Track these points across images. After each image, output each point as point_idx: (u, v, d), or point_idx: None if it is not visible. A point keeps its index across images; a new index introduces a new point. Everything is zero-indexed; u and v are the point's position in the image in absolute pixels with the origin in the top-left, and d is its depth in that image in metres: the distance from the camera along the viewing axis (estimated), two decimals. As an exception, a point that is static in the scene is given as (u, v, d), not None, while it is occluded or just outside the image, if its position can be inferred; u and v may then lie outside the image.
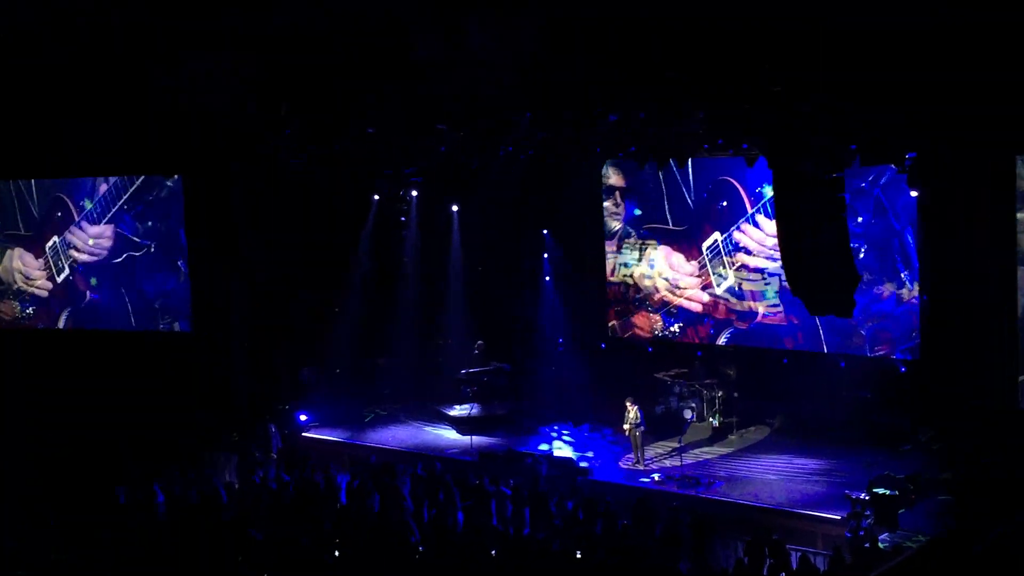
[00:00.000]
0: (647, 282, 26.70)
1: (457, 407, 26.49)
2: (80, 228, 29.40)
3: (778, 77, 16.17)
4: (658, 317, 26.62)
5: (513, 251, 28.28)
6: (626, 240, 26.97)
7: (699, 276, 25.80)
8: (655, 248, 26.47)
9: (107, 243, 29.15)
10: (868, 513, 18.12)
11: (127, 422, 25.46)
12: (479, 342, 27.47)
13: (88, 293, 29.63)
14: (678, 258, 26.14)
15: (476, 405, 26.31)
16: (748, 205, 24.64)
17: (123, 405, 25.98)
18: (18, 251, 30.37)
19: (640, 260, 26.76)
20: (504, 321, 28.19)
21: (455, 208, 28.64)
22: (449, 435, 25.88)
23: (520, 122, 20.21)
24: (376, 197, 28.38)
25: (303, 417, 26.52)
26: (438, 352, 29.41)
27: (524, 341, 27.86)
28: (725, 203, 25.04)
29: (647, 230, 26.58)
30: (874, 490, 18.54)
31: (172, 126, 23.05)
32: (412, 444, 25.33)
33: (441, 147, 23.14)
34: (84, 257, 29.55)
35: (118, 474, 20.95)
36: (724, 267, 25.26)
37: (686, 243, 25.98)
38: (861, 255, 22.55)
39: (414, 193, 28.42)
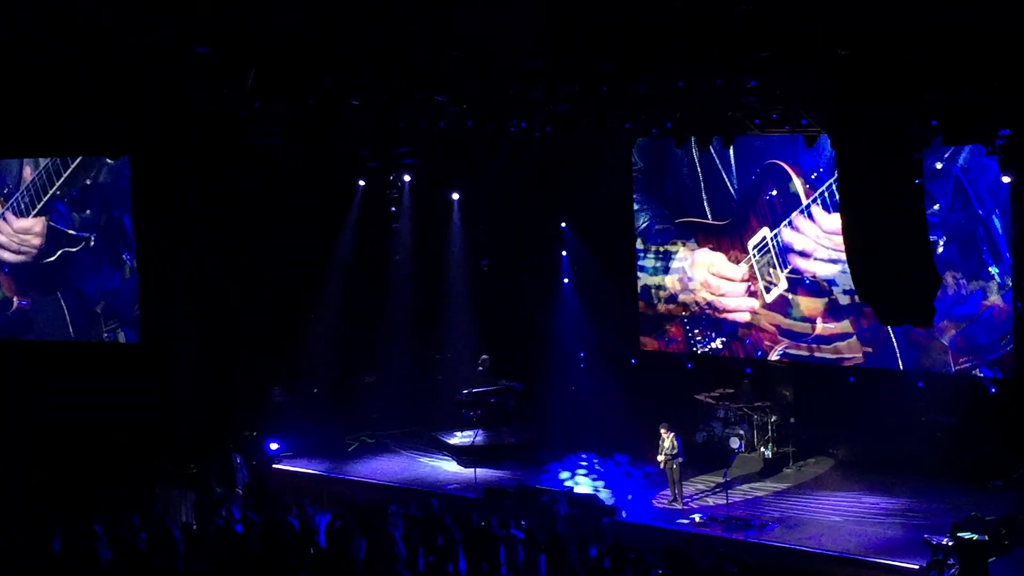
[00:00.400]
0: (680, 289, 26.82)
1: (458, 434, 26.57)
2: (4, 220, 29.45)
3: (844, 38, 16.16)
4: (696, 331, 26.68)
5: (525, 247, 28.37)
6: (650, 239, 27.11)
7: (745, 281, 25.86)
8: (689, 249, 26.52)
9: (37, 240, 29.23)
10: (952, 562, 18.11)
11: (61, 451, 25.66)
12: (484, 356, 27.53)
13: (15, 300, 29.68)
14: (718, 259, 26.21)
15: (480, 432, 26.36)
16: (803, 194, 24.66)
17: (57, 430, 26.19)
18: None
19: (669, 263, 26.83)
20: (514, 331, 28.28)
21: (455, 196, 28.70)
22: (449, 467, 25.97)
23: (534, 93, 20.19)
24: (362, 183, 28.42)
25: (274, 446, 26.56)
26: (435, 368, 29.50)
27: (538, 355, 27.95)
28: (775, 192, 25.07)
29: (680, 226, 26.65)
30: (959, 534, 18.50)
31: (112, 91, 22.79)
32: (404, 478, 25.41)
33: (439, 122, 23.20)
34: (9, 256, 29.62)
35: (51, 515, 21.01)
36: (775, 269, 25.30)
37: (728, 241, 26.04)
38: (940, 249, 22.61)
39: (407, 178, 28.46)
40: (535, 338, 28.14)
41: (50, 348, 29.04)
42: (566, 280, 28.19)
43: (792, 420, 24.91)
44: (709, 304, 26.41)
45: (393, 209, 28.78)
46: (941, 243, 22.76)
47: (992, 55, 15.72)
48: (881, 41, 15.71)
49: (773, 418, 24.72)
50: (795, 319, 25.23)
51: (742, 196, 25.67)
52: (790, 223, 24.94)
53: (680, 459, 22.60)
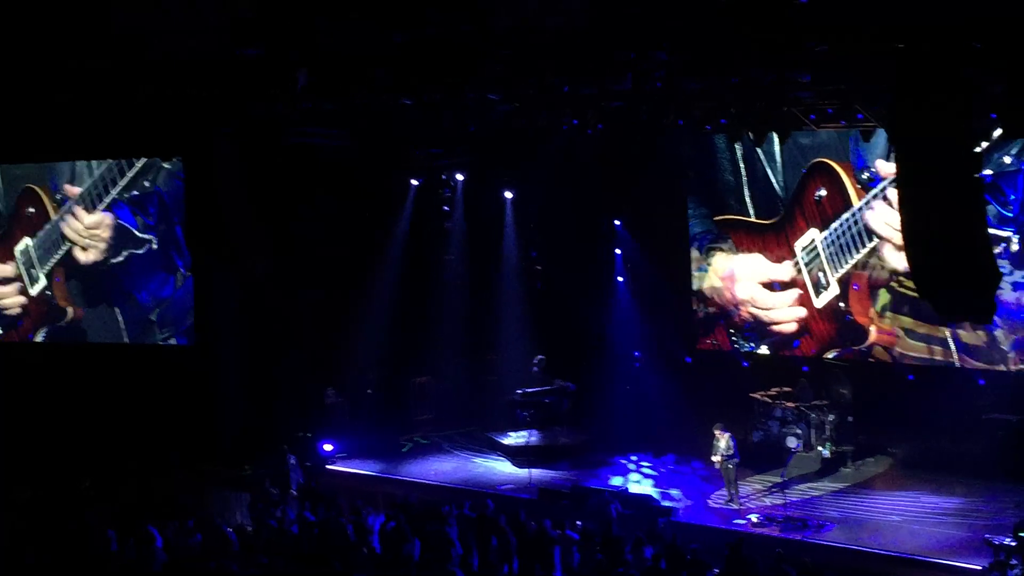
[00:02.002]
0: (726, 300, 26.74)
1: (512, 434, 26.56)
2: (74, 216, 29.33)
3: (901, 30, 15.96)
4: (740, 339, 26.60)
5: (579, 246, 28.27)
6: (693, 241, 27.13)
7: (793, 287, 25.66)
8: (730, 253, 26.37)
9: (107, 234, 29.08)
10: (1015, 563, 17.87)
11: (118, 453, 25.81)
12: (539, 357, 27.49)
13: (70, 309, 29.71)
14: (762, 266, 26.05)
15: (535, 432, 26.34)
16: (854, 195, 24.41)
17: (112, 433, 26.35)
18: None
19: (708, 267, 26.75)
20: (568, 331, 28.19)
21: (509, 195, 28.65)
22: (503, 468, 25.96)
23: (586, 89, 20.08)
24: (414, 182, 28.43)
25: (328, 447, 26.61)
26: (489, 369, 29.46)
27: (593, 355, 27.85)
28: (824, 192, 24.82)
29: (720, 224, 26.56)
30: (1021, 534, 18.31)
31: (165, 94, 22.81)
32: (458, 479, 25.39)
33: (492, 120, 23.15)
34: (80, 254, 29.42)
35: (107, 515, 21.11)
36: (825, 273, 25.07)
37: (774, 239, 25.86)
38: (1015, 246, 22.37)
39: (459, 177, 28.45)
40: (589, 337, 28.05)
41: (104, 352, 29.18)
42: (620, 278, 28.09)
43: (850, 419, 24.73)
44: (755, 318, 26.28)
45: (446, 208, 28.78)
46: (1015, 240, 22.48)
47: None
48: (939, 33, 15.49)
49: (831, 417, 24.53)
50: (847, 324, 25.03)
51: (788, 194, 25.49)
52: (843, 226, 24.65)
53: (736, 459, 22.46)
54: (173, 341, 28.77)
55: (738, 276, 26.43)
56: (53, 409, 27.62)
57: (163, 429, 26.45)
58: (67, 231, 29.47)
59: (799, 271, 25.41)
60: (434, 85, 20.32)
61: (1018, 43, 15.53)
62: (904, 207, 17.03)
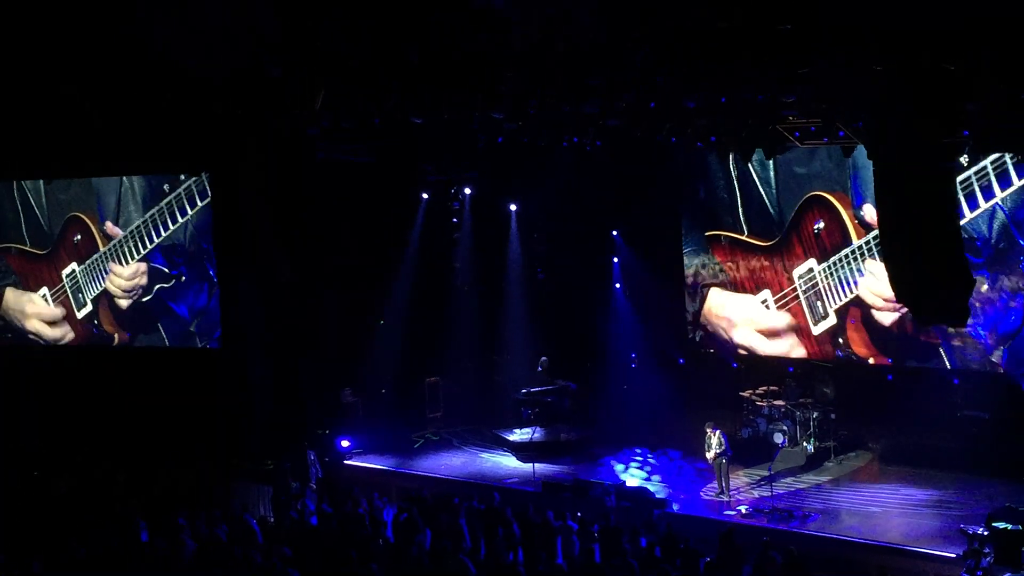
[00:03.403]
0: (718, 330, 26.88)
1: (517, 431, 26.55)
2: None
3: (880, 51, 15.99)
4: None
5: (580, 255, 28.31)
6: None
7: (789, 332, 25.80)
8: (724, 290, 26.60)
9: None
10: (988, 551, 17.87)
11: (147, 448, 25.86)
12: (543, 358, 27.49)
13: (117, 335, 29.55)
14: (757, 308, 26.25)
15: (539, 429, 26.34)
16: (853, 232, 24.42)
17: (142, 429, 26.39)
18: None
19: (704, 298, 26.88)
20: (570, 334, 28.21)
21: (513, 207, 28.69)
22: (508, 462, 25.93)
23: (588, 108, 20.09)
24: (425, 195, 28.48)
25: (345, 443, 26.62)
26: (496, 369, 29.47)
27: (592, 356, 27.88)
28: (821, 224, 24.84)
29: (711, 239, 26.65)
30: (994, 524, 18.29)
31: (190, 112, 22.81)
32: (467, 473, 25.40)
33: (498, 138, 23.18)
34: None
35: (139, 509, 21.15)
36: (824, 302, 25.14)
37: (768, 264, 25.90)
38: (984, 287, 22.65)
39: (467, 191, 28.50)
40: (589, 340, 28.08)
41: (136, 355, 29.21)
42: (618, 285, 28.12)
43: (833, 416, 24.69)
44: (751, 352, 26.46)
45: (455, 220, 28.82)
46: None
47: (1021, 67, 15.52)
48: (915, 53, 15.51)
49: (815, 414, 24.51)
50: (846, 351, 25.08)
51: (783, 218, 25.46)
52: (841, 260, 24.71)
53: (728, 455, 22.45)
54: (207, 345, 28.67)
55: (736, 322, 26.53)
56: (91, 407, 27.67)
57: (193, 426, 26.46)
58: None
59: (796, 299, 25.41)
60: (445, 104, 20.37)
61: (986, 62, 15.54)
62: (882, 217, 17.09)
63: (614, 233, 28.00)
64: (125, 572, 17.87)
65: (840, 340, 25.03)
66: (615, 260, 28.11)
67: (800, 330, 25.58)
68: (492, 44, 17.18)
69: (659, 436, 25.81)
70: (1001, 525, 18.23)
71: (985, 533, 18.14)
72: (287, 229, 26.25)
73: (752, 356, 26.37)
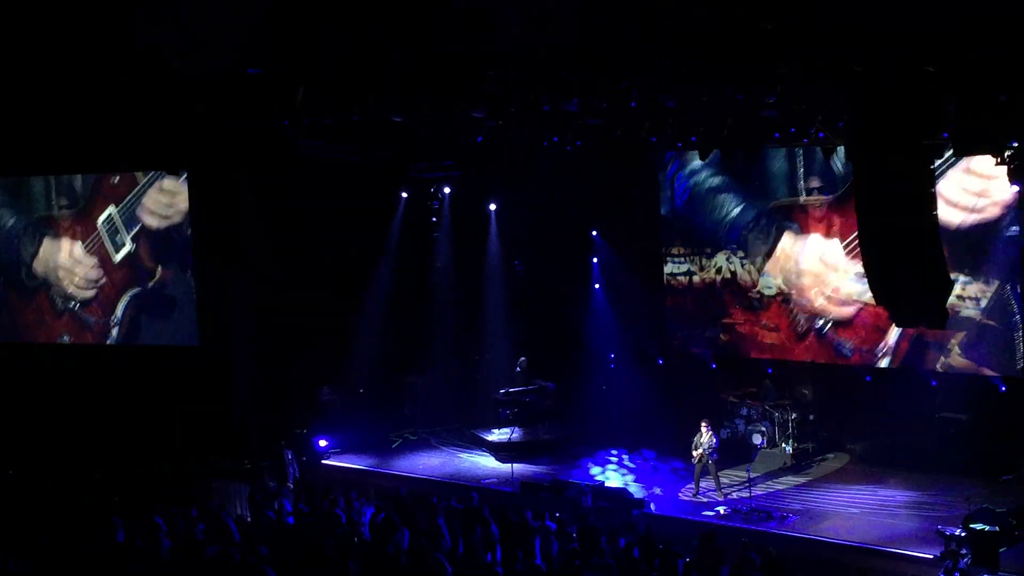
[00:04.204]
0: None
1: (496, 431, 26.55)
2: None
3: (860, 53, 16.01)
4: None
5: (559, 255, 28.27)
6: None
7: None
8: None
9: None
10: (965, 552, 17.91)
11: (122, 446, 25.76)
12: (521, 358, 27.47)
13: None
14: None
15: (517, 429, 26.34)
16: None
17: (118, 427, 26.29)
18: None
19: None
20: (549, 334, 28.19)
21: (493, 206, 28.66)
22: (487, 462, 25.93)
23: (567, 107, 20.08)
24: (404, 194, 28.41)
25: (323, 442, 26.60)
26: (474, 369, 29.47)
27: (571, 357, 27.85)
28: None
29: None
30: (971, 526, 18.32)
31: (170, 110, 22.73)
32: (445, 473, 25.40)
33: (477, 137, 23.15)
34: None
35: (115, 508, 21.05)
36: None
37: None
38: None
39: (447, 189, 28.45)
40: (568, 341, 28.05)
41: (113, 353, 29.05)
42: (597, 286, 28.11)
43: (811, 417, 24.78)
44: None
45: (434, 219, 28.76)
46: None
47: (1001, 68, 15.56)
48: (895, 56, 15.54)
49: (793, 416, 24.58)
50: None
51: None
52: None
53: (715, 457, 22.44)
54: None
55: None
56: (66, 405, 27.54)
57: (170, 425, 26.42)
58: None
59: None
60: (426, 103, 20.33)
61: (965, 65, 15.59)
62: (861, 220, 17.09)
63: (594, 233, 27.98)
64: (101, 570, 17.75)
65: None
66: (594, 260, 28.09)
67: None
68: (474, 43, 17.16)
69: (637, 436, 25.82)
70: (978, 526, 18.25)
71: (962, 534, 18.15)
72: (269, 227, 26.27)
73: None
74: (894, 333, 23.62)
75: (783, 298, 25.37)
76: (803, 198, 24.74)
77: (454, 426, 28.29)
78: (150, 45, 18.13)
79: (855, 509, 21.56)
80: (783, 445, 24.48)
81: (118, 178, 28.58)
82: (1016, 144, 18.17)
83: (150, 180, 28.26)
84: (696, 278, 26.72)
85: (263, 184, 26.07)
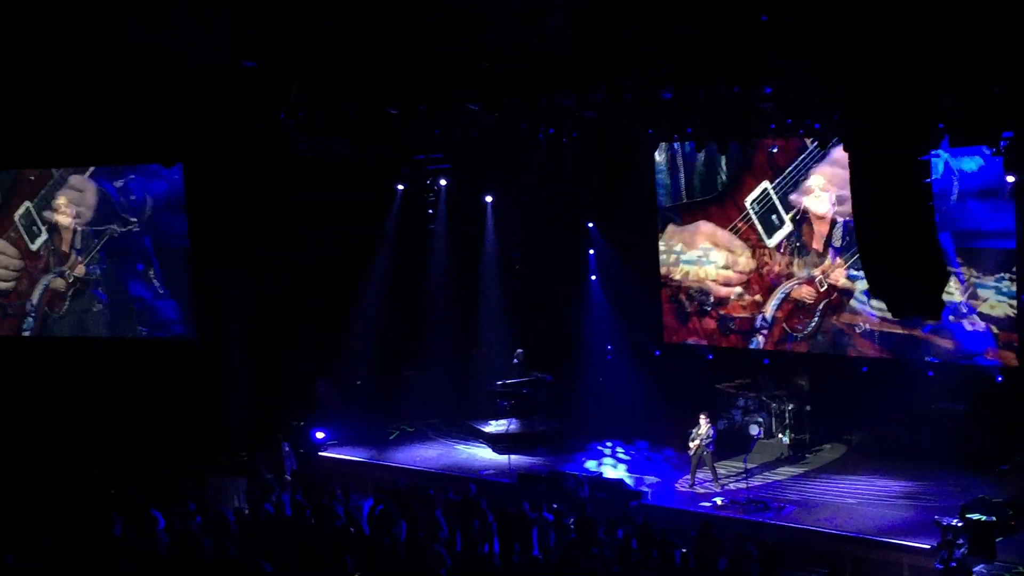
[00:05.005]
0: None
1: (493, 423, 26.54)
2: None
3: (855, 45, 16.02)
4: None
5: (555, 247, 28.24)
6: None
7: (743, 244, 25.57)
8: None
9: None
10: (961, 542, 17.95)
11: (120, 440, 25.76)
12: (518, 351, 27.45)
13: (72, 255, 28.93)
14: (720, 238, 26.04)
15: (514, 420, 26.35)
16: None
17: (116, 422, 26.29)
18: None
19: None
20: (545, 326, 28.14)
21: (489, 199, 28.63)
22: (484, 454, 25.94)
23: (563, 100, 20.07)
24: (400, 187, 28.39)
25: (320, 435, 26.58)
26: (471, 362, 29.41)
27: (568, 349, 27.84)
28: (775, 149, 24.45)
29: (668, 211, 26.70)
30: (968, 516, 18.39)
31: (166, 103, 22.73)
32: (442, 464, 25.41)
33: (473, 130, 23.13)
34: (63, 219, 28.88)
35: (113, 502, 21.07)
36: (778, 215, 24.93)
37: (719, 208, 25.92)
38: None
39: (443, 182, 28.41)
40: (565, 333, 28.00)
41: (110, 346, 29.01)
42: (593, 277, 28.08)
43: (808, 408, 24.77)
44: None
45: (431, 212, 28.73)
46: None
47: (996, 59, 15.56)
48: (891, 47, 15.55)
49: (790, 406, 24.58)
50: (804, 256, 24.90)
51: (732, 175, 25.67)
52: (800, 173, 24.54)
53: (711, 449, 22.45)
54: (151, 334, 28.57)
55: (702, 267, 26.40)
56: (63, 400, 27.55)
57: (167, 419, 26.44)
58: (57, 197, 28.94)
59: (748, 221, 25.31)
60: (422, 97, 20.34)
61: (961, 56, 15.59)
62: (857, 212, 17.10)
63: (590, 225, 27.94)
64: (99, 565, 17.79)
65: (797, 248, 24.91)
66: (591, 252, 28.05)
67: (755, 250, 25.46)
68: (469, 41, 17.20)
69: (634, 427, 25.86)
70: (975, 516, 18.34)
71: (959, 524, 18.20)
72: (264, 219, 26.26)
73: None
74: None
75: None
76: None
77: (451, 418, 28.26)
78: (145, 41, 18.18)
79: (852, 499, 21.56)
80: (780, 436, 24.50)
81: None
82: (1010, 135, 18.19)
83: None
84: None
85: (258, 177, 26.00)
